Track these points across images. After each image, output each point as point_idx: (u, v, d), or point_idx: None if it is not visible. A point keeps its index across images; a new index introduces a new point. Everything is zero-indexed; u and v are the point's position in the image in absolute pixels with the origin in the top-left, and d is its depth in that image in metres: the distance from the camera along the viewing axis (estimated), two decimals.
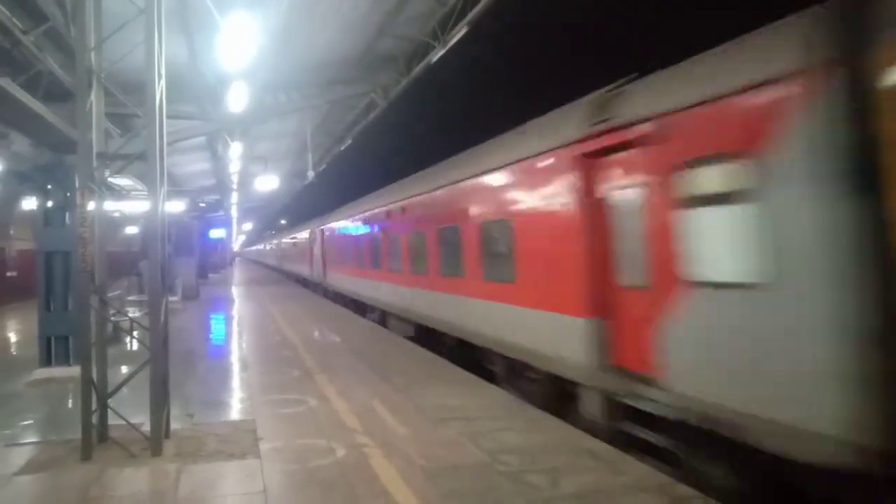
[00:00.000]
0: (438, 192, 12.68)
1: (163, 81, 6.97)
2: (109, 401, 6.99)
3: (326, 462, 6.24)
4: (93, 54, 6.97)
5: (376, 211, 18.14)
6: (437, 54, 12.80)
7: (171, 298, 12.26)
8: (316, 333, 15.97)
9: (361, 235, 20.56)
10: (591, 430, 7.17)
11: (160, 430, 6.67)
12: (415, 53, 13.91)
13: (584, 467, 5.92)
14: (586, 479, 5.61)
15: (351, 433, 7.19)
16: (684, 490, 5.32)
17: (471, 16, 11.39)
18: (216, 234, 42.79)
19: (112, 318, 7.94)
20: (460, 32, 11.95)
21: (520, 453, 6.33)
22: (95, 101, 6.99)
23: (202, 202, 30.60)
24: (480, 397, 8.75)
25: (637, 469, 5.87)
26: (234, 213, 48.03)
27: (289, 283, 40.30)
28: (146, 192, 7.08)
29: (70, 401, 9.16)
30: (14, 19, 8.02)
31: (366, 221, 19.74)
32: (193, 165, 24.78)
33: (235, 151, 21.06)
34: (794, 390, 4.75)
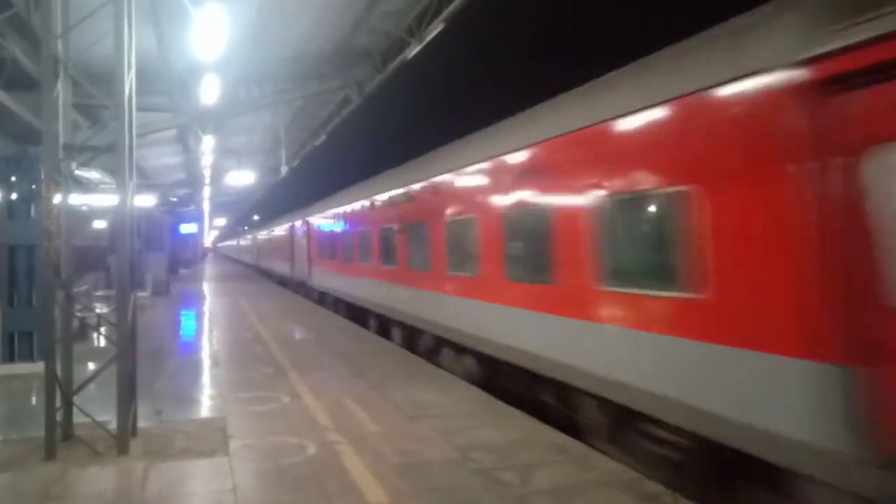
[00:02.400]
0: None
1: (132, 72, 6.83)
2: (75, 398, 6.84)
3: (297, 459, 6.18)
4: (59, 42, 6.80)
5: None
6: (413, 50, 12.76)
7: (141, 294, 12.06)
8: (289, 330, 15.83)
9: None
10: None
11: (127, 428, 6.54)
12: (390, 49, 13.86)
13: (555, 463, 5.95)
14: (557, 476, 5.64)
15: (323, 430, 7.13)
16: (653, 486, 5.37)
17: (447, 12, 11.38)
18: (187, 228, 42.18)
19: (78, 314, 7.76)
20: (436, 29, 11.93)
21: (491, 450, 6.34)
22: (62, 91, 6.81)
23: (173, 196, 30.19)
24: (453, 394, 8.75)
25: (607, 465, 5.92)
26: (206, 207, 47.48)
27: (261, 280, 39.90)
28: (114, 186, 6.93)
29: (34, 398, 8.95)
30: None
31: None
32: (164, 159, 24.43)
33: (208, 145, 20.82)
34: None
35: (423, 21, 12.18)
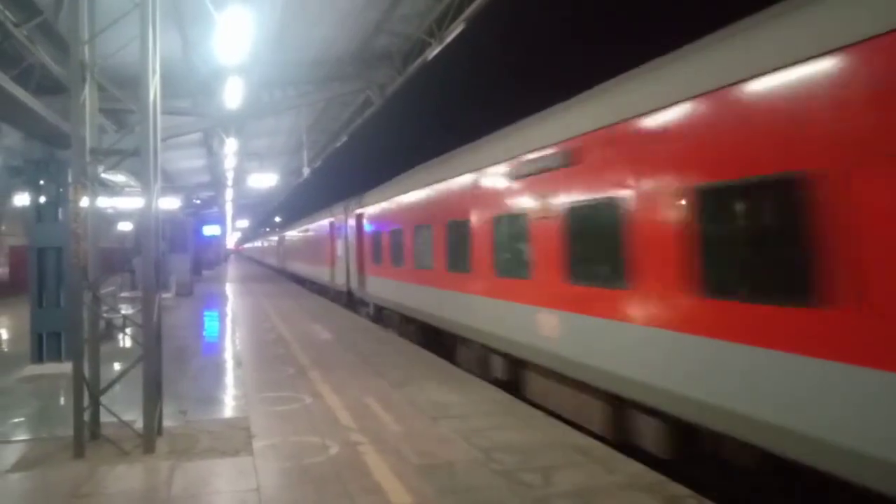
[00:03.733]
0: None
1: (157, 76, 6.93)
2: (102, 398, 6.95)
3: (320, 459, 6.22)
4: (87, 48, 6.92)
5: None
6: (434, 51, 12.77)
7: (165, 295, 12.20)
8: (310, 330, 15.93)
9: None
10: None
11: (153, 428, 6.63)
12: (411, 51, 13.89)
13: (577, 465, 5.92)
14: (579, 478, 5.61)
15: (345, 430, 7.17)
16: (676, 489, 5.32)
17: (468, 12, 11.37)
18: (210, 230, 42.67)
19: (105, 315, 7.88)
20: (457, 29, 11.93)
21: (513, 451, 6.33)
22: (89, 96, 6.93)
23: (196, 199, 30.54)
24: (474, 394, 8.75)
25: (630, 467, 5.87)
26: (228, 209, 47.96)
27: (283, 280, 40.09)
28: (140, 189, 7.02)
29: (62, 398, 9.10)
30: (6, 11, 7.96)
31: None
32: (188, 162, 24.72)
33: (230, 148, 21.00)
34: None
35: (443, 22, 12.19)
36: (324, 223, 25.93)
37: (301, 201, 57.22)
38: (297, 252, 36.55)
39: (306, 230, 32.03)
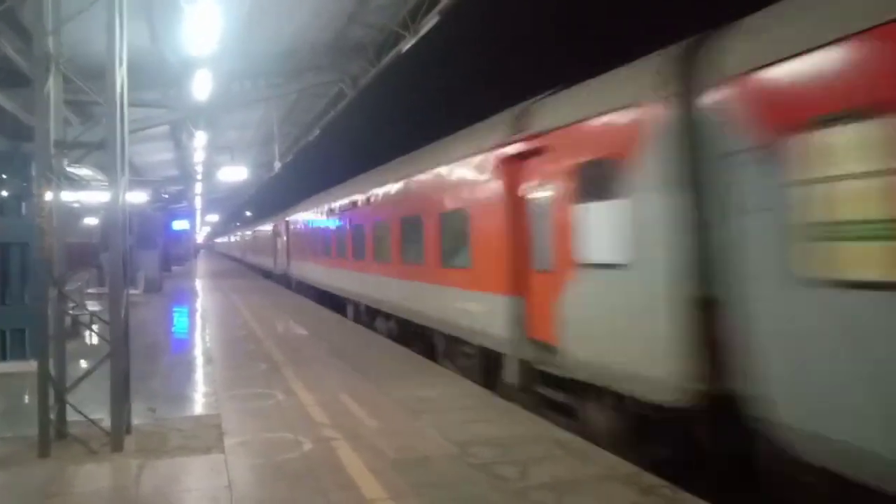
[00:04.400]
0: None
1: (124, 67, 6.76)
2: (68, 396, 6.79)
3: (293, 456, 6.15)
4: (51, 38, 6.72)
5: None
6: (408, 44, 12.71)
7: (133, 291, 12.00)
8: (283, 326, 15.79)
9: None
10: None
11: (121, 426, 6.50)
12: (385, 43, 13.80)
13: (555, 458, 5.94)
14: (557, 469, 5.63)
15: (319, 426, 7.10)
16: (651, 479, 5.38)
17: (441, 5, 11.32)
18: (180, 225, 42.02)
19: (71, 312, 7.70)
20: (431, 22, 11.87)
21: (491, 445, 6.33)
22: (54, 88, 6.73)
23: (165, 193, 30.05)
24: (452, 390, 8.74)
25: (607, 459, 5.92)
26: (198, 204, 47.30)
27: (253, 276, 39.81)
28: (106, 182, 6.86)
29: (27, 396, 8.88)
30: None
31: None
32: (156, 155, 24.31)
33: (200, 141, 20.71)
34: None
35: (417, 14, 12.12)
36: (268, 227, 36.28)
37: (267, 199, 56.63)
38: (252, 247, 47.57)
39: (258, 231, 43.51)
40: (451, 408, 7.80)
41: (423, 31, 12.21)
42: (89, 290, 19.59)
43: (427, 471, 5.69)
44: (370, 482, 5.43)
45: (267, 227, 37.44)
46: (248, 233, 52.17)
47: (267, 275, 36.69)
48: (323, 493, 5.23)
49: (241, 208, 75.68)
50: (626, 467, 5.69)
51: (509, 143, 8.19)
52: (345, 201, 17.37)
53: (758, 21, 5.12)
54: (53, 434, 6.49)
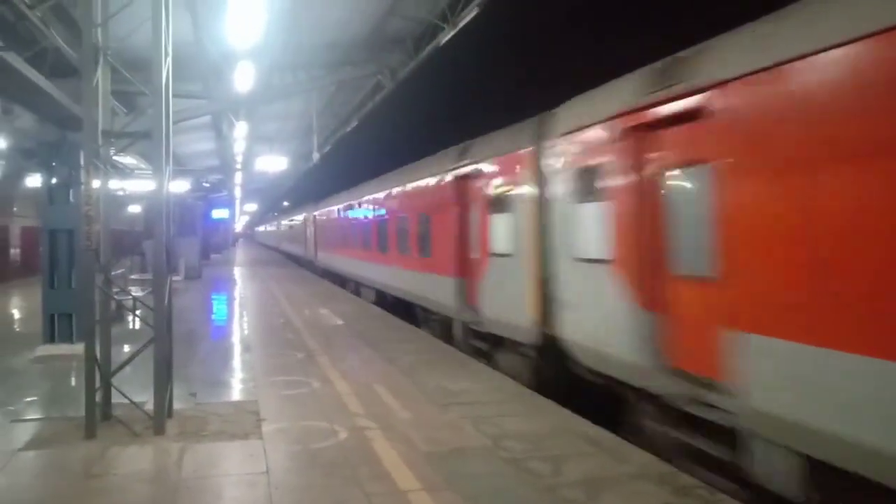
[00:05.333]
0: None
1: (169, 59, 6.89)
2: (112, 379, 6.99)
3: (329, 444, 6.24)
4: (99, 31, 6.89)
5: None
6: (446, 36, 12.66)
7: (175, 278, 12.25)
8: (319, 315, 15.98)
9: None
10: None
11: (163, 410, 6.67)
12: (423, 35, 13.77)
13: (587, 454, 5.91)
14: (589, 467, 5.60)
15: (353, 416, 7.18)
16: (686, 479, 5.31)
17: None
18: (219, 214, 42.72)
19: (115, 297, 7.91)
20: (470, 14, 11.81)
21: (522, 439, 6.32)
22: (101, 79, 6.91)
23: (206, 182, 30.56)
24: (483, 382, 8.75)
25: (640, 457, 5.86)
26: (237, 193, 48.02)
27: (289, 265, 40.34)
28: (151, 171, 7.01)
29: (73, 378, 9.17)
30: None
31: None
32: (197, 145, 24.73)
33: (240, 131, 20.99)
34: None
35: (456, 6, 12.07)
36: (300, 218, 39.89)
37: (303, 189, 57.06)
38: (288, 237, 50.75)
39: (293, 222, 46.56)
40: (483, 400, 7.81)
41: (462, 23, 12.15)
42: (133, 277, 20.08)
43: (460, 463, 5.71)
44: (404, 473, 5.48)
45: (299, 218, 41.02)
46: (285, 223, 54.86)
47: (302, 264, 38.66)
48: (358, 483, 5.29)
49: (277, 199, 76.58)
50: (660, 466, 5.63)
51: (457, 168, 11.81)
52: (353, 203, 22.85)
53: (572, 104, 8.33)
54: (99, 416, 6.69)
